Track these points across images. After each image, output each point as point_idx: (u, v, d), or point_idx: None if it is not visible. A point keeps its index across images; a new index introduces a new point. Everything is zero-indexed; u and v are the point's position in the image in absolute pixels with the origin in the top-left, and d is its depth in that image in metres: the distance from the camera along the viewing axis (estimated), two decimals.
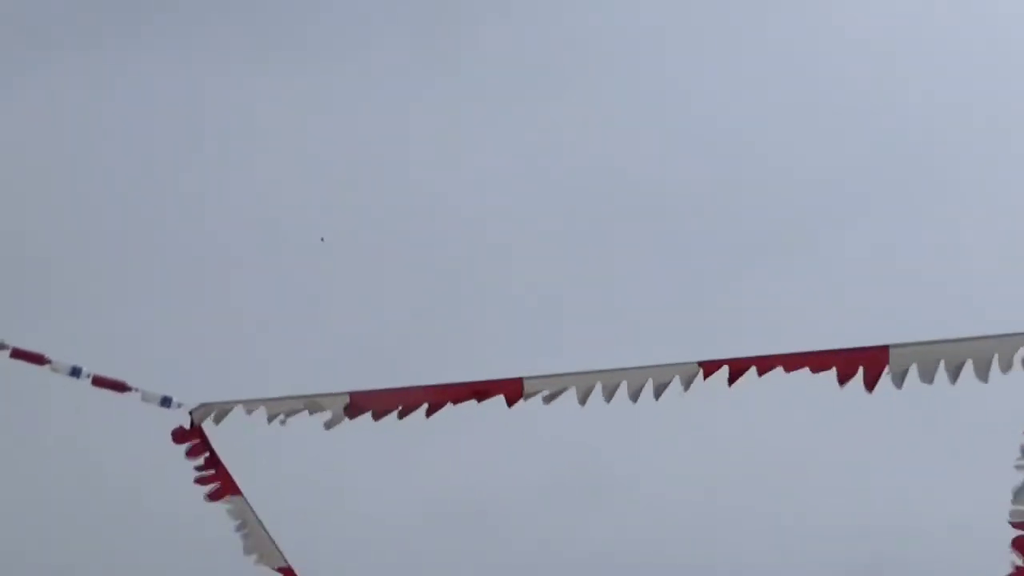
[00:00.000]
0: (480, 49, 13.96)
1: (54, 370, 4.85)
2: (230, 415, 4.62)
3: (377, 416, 4.26)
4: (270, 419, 4.46)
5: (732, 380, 4.06)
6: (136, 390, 4.77)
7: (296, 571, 5.39)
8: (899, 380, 3.88)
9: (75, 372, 4.82)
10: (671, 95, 13.15)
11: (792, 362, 4.05)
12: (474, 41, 13.64)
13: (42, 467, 10.80)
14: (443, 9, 14.12)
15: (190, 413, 4.67)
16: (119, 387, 4.78)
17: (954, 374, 3.85)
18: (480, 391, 4.20)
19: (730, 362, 4.09)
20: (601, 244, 12.49)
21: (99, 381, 4.81)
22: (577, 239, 12.25)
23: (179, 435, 4.78)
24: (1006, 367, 3.91)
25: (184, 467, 4.95)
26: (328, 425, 4.35)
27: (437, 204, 12.11)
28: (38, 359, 4.82)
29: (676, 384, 4.11)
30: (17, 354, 4.79)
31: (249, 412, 4.54)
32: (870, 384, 3.93)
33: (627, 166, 13.04)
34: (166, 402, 4.71)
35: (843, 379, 3.98)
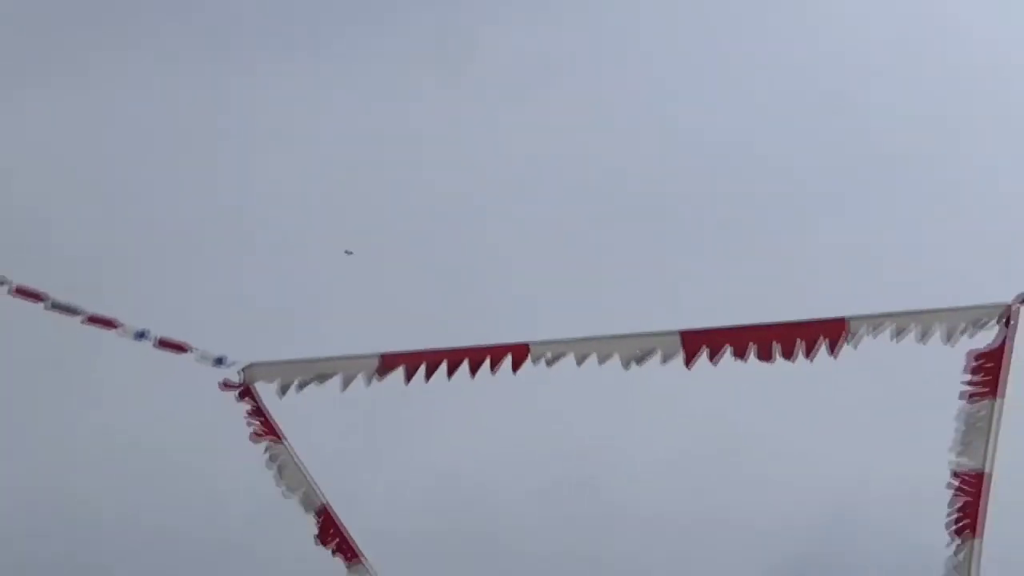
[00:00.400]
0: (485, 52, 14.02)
1: (122, 334, 4.87)
2: (276, 373, 4.69)
3: (408, 375, 4.40)
4: (309, 378, 4.58)
5: (711, 351, 4.21)
6: (194, 350, 4.79)
7: (332, 510, 5.50)
8: (856, 346, 4.04)
9: (141, 335, 4.84)
10: (661, 98, 13.20)
11: (764, 334, 4.20)
12: (479, 45, 13.69)
13: (109, 420, 10.87)
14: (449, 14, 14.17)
15: (240, 371, 4.73)
16: (179, 348, 4.80)
17: (899, 340, 4.02)
18: (494, 353, 4.33)
19: (709, 332, 4.24)
20: (597, 232, 12.57)
21: (163, 343, 4.82)
22: (574, 228, 12.32)
23: (228, 387, 4.83)
24: (946, 338, 4.08)
25: (235, 421, 5.06)
26: (366, 382, 4.47)
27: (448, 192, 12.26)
28: (109, 323, 4.83)
29: (658, 353, 4.26)
30: (92, 320, 4.82)
31: (293, 371, 4.61)
32: (832, 350, 4.08)
33: (620, 163, 13.10)
34: (219, 361, 4.76)
35: (809, 346, 4.13)
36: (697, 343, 4.19)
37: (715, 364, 4.22)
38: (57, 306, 4.84)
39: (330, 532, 5.63)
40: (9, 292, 4.79)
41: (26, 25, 12.85)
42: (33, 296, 4.79)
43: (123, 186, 12.74)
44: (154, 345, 4.86)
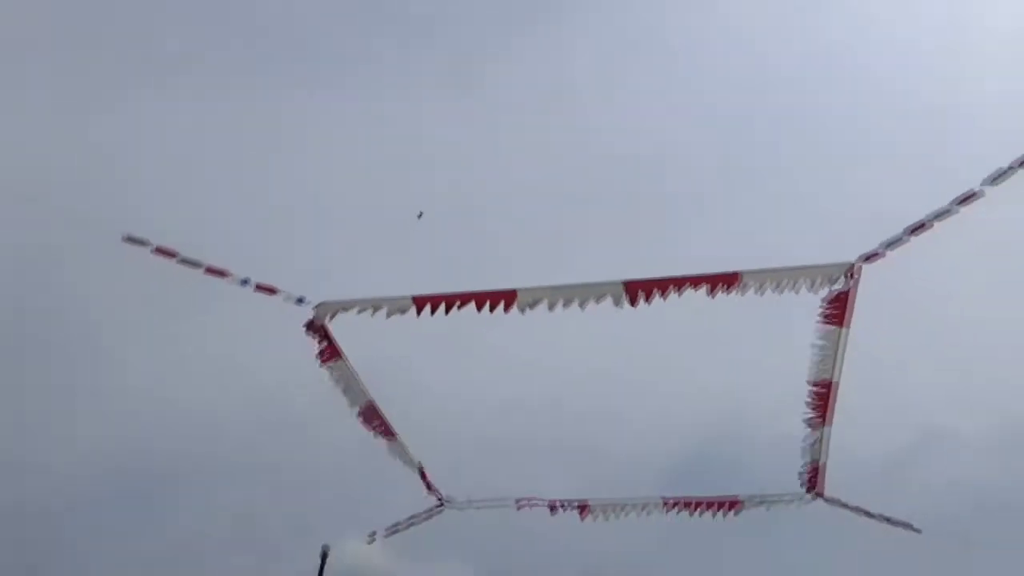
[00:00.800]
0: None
1: (231, 282, 4.89)
2: (340, 308, 4.82)
3: (432, 310, 4.59)
4: (363, 311, 4.76)
5: (648, 296, 4.42)
6: (281, 292, 4.87)
7: (377, 404, 5.74)
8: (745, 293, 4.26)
9: (244, 282, 4.89)
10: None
11: (682, 282, 4.38)
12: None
13: (222, 346, 11.12)
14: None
15: (315, 308, 4.89)
16: (271, 291, 4.89)
17: (778, 289, 4.23)
18: (493, 297, 4.52)
19: (644, 282, 4.43)
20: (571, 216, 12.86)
21: (259, 287, 4.87)
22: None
23: (307, 325, 5.01)
24: (810, 286, 4.30)
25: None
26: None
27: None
28: (222, 273, 4.85)
29: (609, 296, 4.46)
30: (209, 271, 4.85)
31: (352, 307, 4.77)
32: (729, 292, 4.29)
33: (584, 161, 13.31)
34: (300, 300, 4.89)
35: (714, 290, 4.33)
36: (636, 289, 4.38)
37: (649, 304, 4.40)
38: (184, 261, 4.87)
39: (374, 421, 5.90)
40: (151, 251, 4.81)
41: None
42: (168, 254, 4.82)
43: (225, 172, 12.98)
44: (253, 289, 4.90)
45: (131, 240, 4.80)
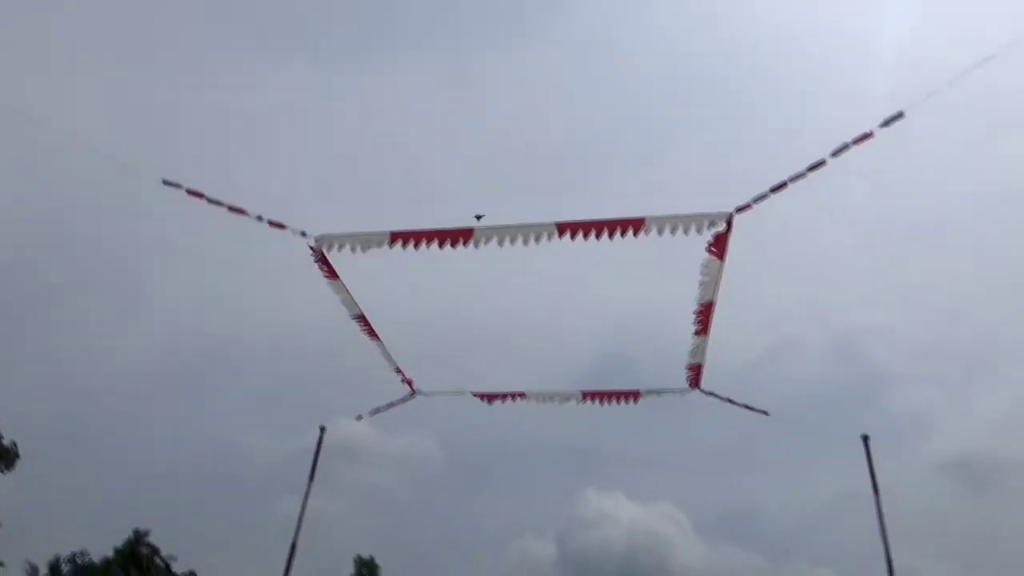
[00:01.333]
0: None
1: (250, 217, 4.74)
2: (336, 240, 4.77)
3: (404, 245, 4.57)
4: (354, 243, 4.72)
5: (574, 234, 4.46)
6: (288, 227, 4.79)
7: (365, 314, 5.76)
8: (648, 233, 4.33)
9: (259, 218, 4.76)
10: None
11: (601, 225, 4.43)
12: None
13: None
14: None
15: (315, 239, 4.84)
16: (280, 226, 4.80)
17: (673, 231, 4.31)
18: (453, 235, 4.53)
19: (573, 224, 4.47)
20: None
21: (271, 223, 4.77)
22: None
23: (313, 251, 4.94)
24: (697, 231, 4.38)
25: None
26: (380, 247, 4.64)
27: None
28: (241, 211, 4.72)
29: (545, 233, 4.49)
30: (231, 209, 4.73)
31: (345, 239, 4.74)
32: (636, 234, 4.36)
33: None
34: (303, 234, 4.84)
35: (624, 231, 4.39)
36: (566, 229, 4.43)
37: (574, 240, 4.45)
38: (211, 200, 4.73)
39: (364, 327, 5.92)
40: (185, 192, 4.67)
41: None
42: (197, 195, 4.67)
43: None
44: (267, 225, 4.77)
45: (168, 183, 4.68)
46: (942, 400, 26.70)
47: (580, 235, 4.45)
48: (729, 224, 4.38)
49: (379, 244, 4.66)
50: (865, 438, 6.34)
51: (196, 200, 4.69)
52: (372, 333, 6.04)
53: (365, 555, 18.66)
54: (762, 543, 25.25)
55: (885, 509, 5.94)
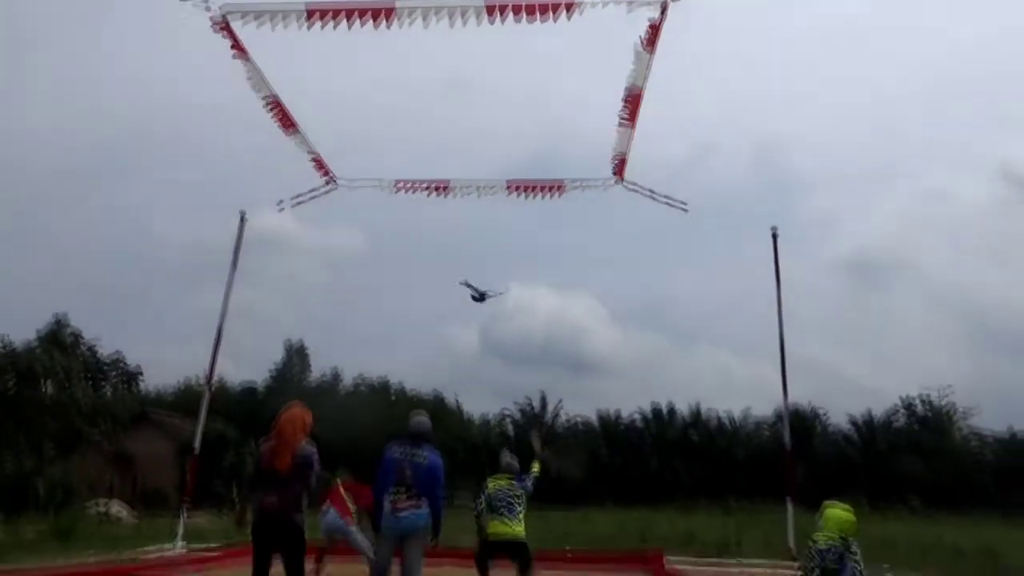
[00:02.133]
0: None
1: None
2: (243, 11, 4.35)
3: (323, 21, 4.21)
4: (263, 16, 4.31)
5: (503, 13, 4.17)
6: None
7: (279, 97, 5.44)
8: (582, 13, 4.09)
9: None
10: None
11: (537, 5, 4.16)
12: None
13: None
14: None
15: (220, 10, 4.40)
16: None
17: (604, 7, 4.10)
18: (375, 11, 4.18)
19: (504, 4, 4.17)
20: None
21: None
22: None
23: (216, 24, 4.49)
24: (629, 8, 4.18)
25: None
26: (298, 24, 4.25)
27: None
28: None
29: (472, 11, 4.19)
30: None
31: (253, 11, 4.32)
32: (569, 15, 4.14)
33: None
34: (206, 6, 4.37)
35: (555, 11, 4.15)
36: (494, 9, 4.16)
37: (503, 22, 4.19)
38: None
39: (276, 110, 5.59)
40: None
41: None
42: None
43: None
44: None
45: None
46: (847, 203, 28.10)
47: (510, 15, 4.16)
48: (664, 10, 4.19)
49: (295, 20, 4.22)
50: (774, 231, 6.69)
51: None
52: (287, 122, 5.71)
53: (295, 341, 19.32)
54: (671, 330, 27.30)
55: (786, 302, 6.49)
